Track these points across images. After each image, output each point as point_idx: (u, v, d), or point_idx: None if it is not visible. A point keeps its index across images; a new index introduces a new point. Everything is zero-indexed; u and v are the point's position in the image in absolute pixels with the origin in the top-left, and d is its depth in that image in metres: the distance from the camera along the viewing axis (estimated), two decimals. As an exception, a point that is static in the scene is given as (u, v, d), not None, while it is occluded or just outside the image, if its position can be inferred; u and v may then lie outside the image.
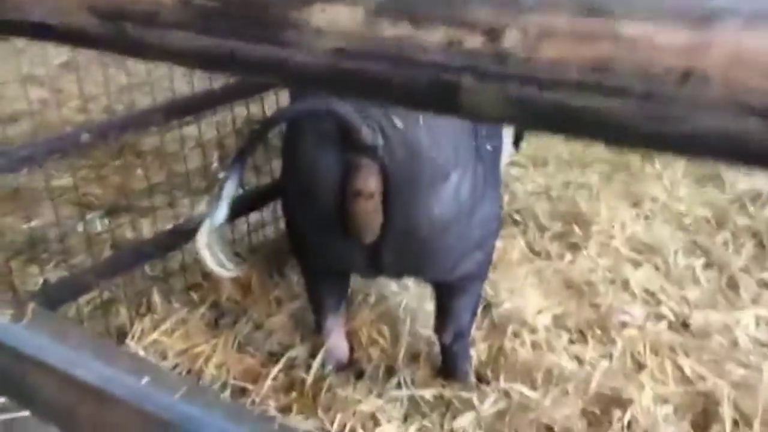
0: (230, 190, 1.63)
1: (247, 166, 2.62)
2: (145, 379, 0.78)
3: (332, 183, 1.66)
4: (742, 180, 3.36)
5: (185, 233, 2.36)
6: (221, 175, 1.61)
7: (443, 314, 2.06)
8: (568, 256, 2.82)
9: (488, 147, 1.82)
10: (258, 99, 2.69)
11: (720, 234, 2.96)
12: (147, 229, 2.66)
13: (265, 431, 0.82)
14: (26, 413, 0.78)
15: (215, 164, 3.24)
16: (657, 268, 2.76)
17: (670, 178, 3.42)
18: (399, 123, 1.62)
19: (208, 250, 1.61)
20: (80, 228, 2.86)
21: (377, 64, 0.41)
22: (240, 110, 2.85)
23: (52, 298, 1.88)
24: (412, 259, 1.79)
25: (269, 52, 0.45)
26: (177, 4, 0.48)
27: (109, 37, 0.54)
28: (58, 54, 4.76)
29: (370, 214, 1.65)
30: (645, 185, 3.36)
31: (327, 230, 1.77)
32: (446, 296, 2.03)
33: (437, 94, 0.40)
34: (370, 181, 1.62)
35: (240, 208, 2.59)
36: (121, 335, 2.20)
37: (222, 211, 1.61)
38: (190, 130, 3.23)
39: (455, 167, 1.68)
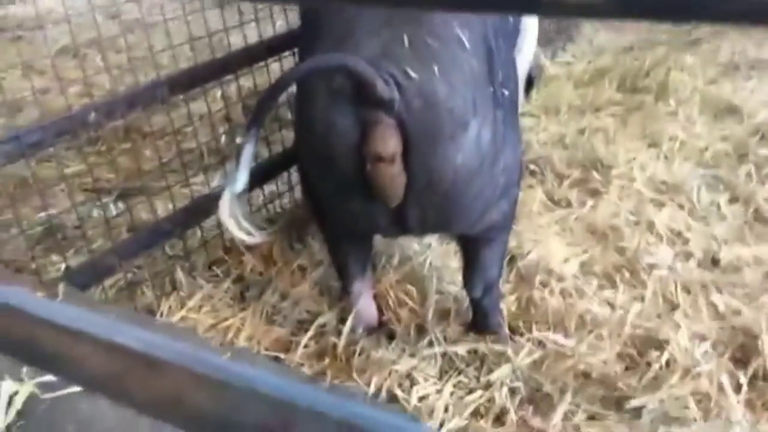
0: (248, 155, 1.58)
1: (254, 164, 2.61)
2: (189, 344, 0.75)
3: (350, 143, 1.60)
4: (760, 111, 3.29)
5: (202, 209, 2.34)
6: (238, 140, 1.55)
7: (471, 268, 2.03)
8: (590, 203, 2.78)
9: (505, 92, 1.76)
10: (263, 69, 2.64)
11: (742, 167, 2.91)
12: (162, 209, 2.64)
13: (318, 389, 0.79)
14: (74, 389, 0.75)
15: (224, 138, 3.20)
16: (681, 207, 2.72)
17: (686, 115, 3.36)
18: (413, 73, 1.56)
19: (233, 219, 1.57)
20: (95, 213, 2.85)
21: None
22: (245, 82, 2.81)
23: (77, 283, 1.86)
24: (437, 213, 1.74)
25: None
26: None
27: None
28: (54, 41, 4.71)
29: (394, 177, 1.60)
30: (661, 124, 3.30)
31: (347, 193, 1.72)
32: (473, 250, 1.99)
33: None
34: (389, 140, 1.57)
35: (254, 180, 2.56)
36: (149, 315, 2.18)
37: (242, 178, 1.57)
38: (195, 107, 3.20)
39: (474, 115, 1.62)
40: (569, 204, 2.80)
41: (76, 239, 2.59)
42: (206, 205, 2.31)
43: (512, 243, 2.52)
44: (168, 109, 2.87)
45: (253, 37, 2.55)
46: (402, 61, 1.57)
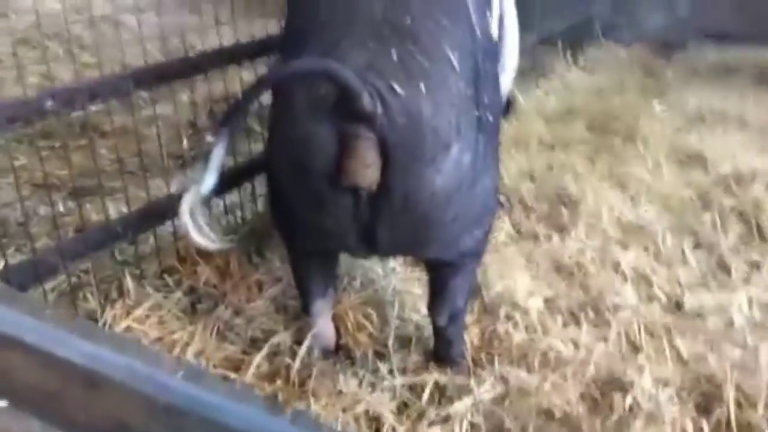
0: (219, 156, 1.48)
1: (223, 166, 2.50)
2: (138, 359, 0.65)
3: (327, 156, 1.52)
4: (724, 162, 3.34)
5: (158, 213, 2.22)
6: (208, 139, 1.46)
7: (439, 295, 1.96)
8: (556, 238, 2.75)
9: (489, 117, 1.71)
10: (234, 75, 2.55)
11: (706, 214, 2.92)
12: (114, 210, 2.50)
13: (281, 419, 0.70)
14: (2, 404, 0.64)
15: (186, 143, 3.08)
16: (646, 250, 2.71)
17: (653, 160, 3.38)
18: (400, 89, 1.49)
19: (192, 220, 1.46)
20: (42, 210, 2.69)
21: None
22: (214, 87, 2.70)
23: (14, 282, 1.71)
24: (410, 235, 1.67)
25: None
26: None
27: None
28: (16, 30, 4.51)
29: (366, 154, 1.51)
30: (628, 167, 3.31)
31: (318, 206, 1.64)
32: (442, 276, 1.92)
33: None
34: (368, 156, 1.50)
35: (216, 188, 2.46)
36: (92, 323, 2.04)
37: (210, 180, 1.47)
38: (157, 109, 3.07)
39: (457, 138, 1.56)
40: (536, 238, 2.77)
41: (18, 236, 2.43)
42: (163, 210, 2.19)
43: (477, 274, 2.47)
44: (130, 108, 2.74)
45: (212, 43, 2.45)
46: (389, 76, 1.50)
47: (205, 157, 1.48)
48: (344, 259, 2.45)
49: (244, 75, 2.55)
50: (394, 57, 1.51)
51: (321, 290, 2.01)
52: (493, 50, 1.83)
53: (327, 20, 1.61)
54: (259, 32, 2.55)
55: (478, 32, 1.69)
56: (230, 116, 1.51)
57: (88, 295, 2.20)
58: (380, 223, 1.61)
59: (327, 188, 1.56)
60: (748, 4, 5.09)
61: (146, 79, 2.07)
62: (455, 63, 1.57)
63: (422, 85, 1.51)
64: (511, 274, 2.49)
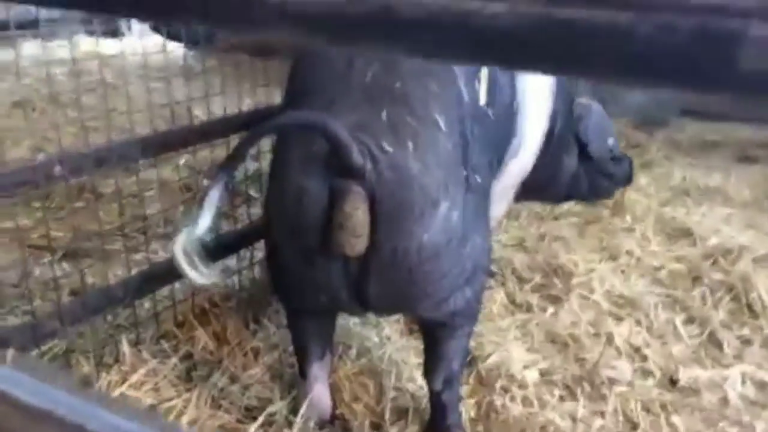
0: (214, 199, 1.53)
1: (220, 209, 2.53)
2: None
3: (319, 209, 1.59)
4: (711, 236, 3.41)
5: (158, 278, 2.22)
6: (205, 182, 1.50)
7: (433, 358, 1.96)
8: (550, 309, 2.77)
9: (477, 178, 1.77)
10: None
11: (696, 289, 2.96)
12: (110, 274, 2.49)
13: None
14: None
15: (182, 208, 3.10)
16: (638, 323, 2.73)
17: (641, 233, 3.44)
18: (388, 147, 1.57)
19: (185, 256, 1.49)
20: (38, 272, 2.67)
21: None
22: (207, 154, 2.74)
23: (13, 345, 1.69)
24: (400, 290, 1.70)
25: (445, 4, 0.35)
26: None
27: None
28: (10, 93, 4.58)
29: (355, 246, 1.57)
30: (618, 239, 3.37)
31: (311, 261, 1.68)
32: (437, 337, 1.94)
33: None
34: (357, 210, 1.55)
35: (214, 253, 2.47)
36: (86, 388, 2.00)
37: (205, 221, 1.51)
38: (151, 174, 3.10)
39: (445, 195, 1.62)
40: (530, 309, 2.79)
41: (13, 298, 2.40)
42: (163, 273, 2.19)
43: (472, 343, 2.47)
44: (131, 172, 2.77)
45: (216, 112, 2.50)
46: (378, 135, 1.58)
47: (201, 200, 1.52)
48: (340, 326, 2.45)
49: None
50: (384, 117, 1.60)
51: (318, 353, 2.02)
52: (481, 116, 1.89)
53: (323, 83, 1.71)
54: (263, 101, 2.60)
55: (465, 98, 1.78)
56: (228, 162, 1.57)
57: (82, 360, 2.17)
58: (370, 278, 1.65)
59: (318, 242, 1.61)
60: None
61: (153, 147, 2.10)
62: (442, 125, 1.65)
63: (410, 144, 1.59)
64: (506, 345, 2.50)
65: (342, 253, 1.59)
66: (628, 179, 3.11)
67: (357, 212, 1.54)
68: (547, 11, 0.32)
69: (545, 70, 0.32)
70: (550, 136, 2.57)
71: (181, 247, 1.51)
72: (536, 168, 2.54)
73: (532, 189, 2.68)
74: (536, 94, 2.41)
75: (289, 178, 1.65)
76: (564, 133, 2.69)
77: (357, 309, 1.84)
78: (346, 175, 1.54)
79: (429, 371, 1.98)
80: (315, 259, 1.66)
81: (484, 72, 1.92)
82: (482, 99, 1.90)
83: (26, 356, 1.13)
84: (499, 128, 2.08)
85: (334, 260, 1.64)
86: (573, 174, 2.84)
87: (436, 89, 1.68)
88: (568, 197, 3.05)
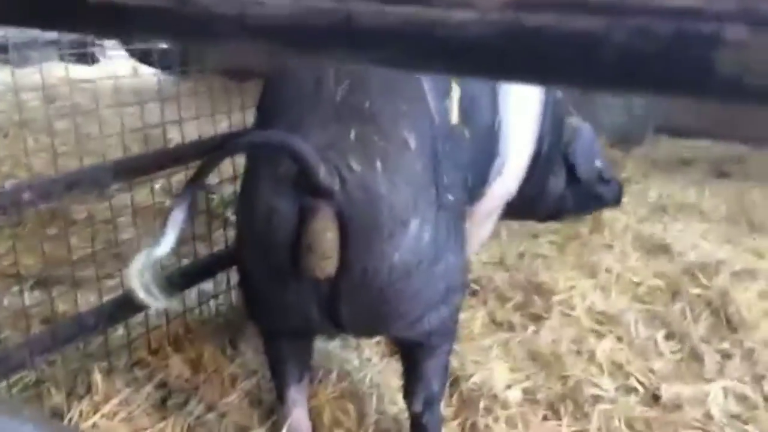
0: (178, 219, 1.50)
1: (192, 236, 2.49)
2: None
3: (288, 229, 1.57)
4: (689, 251, 3.42)
5: (131, 305, 2.16)
6: (167, 203, 1.48)
7: (412, 378, 1.93)
8: (531, 327, 2.76)
9: (450, 197, 1.75)
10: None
11: (676, 304, 2.96)
12: (81, 301, 2.43)
13: None
14: None
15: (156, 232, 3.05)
16: (620, 339, 2.72)
17: (620, 249, 3.45)
18: (356, 166, 1.56)
19: (139, 278, 1.47)
20: (6, 301, 2.61)
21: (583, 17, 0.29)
22: (181, 177, 2.71)
23: (-20, 377, 1.64)
24: (371, 310, 1.68)
25: (409, 13, 0.33)
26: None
27: None
28: (-15, 117, 4.51)
29: (325, 269, 1.55)
30: (597, 255, 3.37)
31: (282, 281, 1.66)
32: (415, 357, 1.91)
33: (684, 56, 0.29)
34: (326, 229, 1.53)
35: (190, 277, 2.42)
36: (57, 419, 1.94)
37: (168, 241, 1.49)
38: (124, 198, 3.05)
39: (415, 214, 1.61)
40: (512, 327, 2.77)
41: (-19, 328, 2.33)
42: (136, 301, 2.14)
43: (454, 363, 2.45)
44: (104, 198, 2.71)
45: (191, 135, 2.47)
46: (346, 154, 1.57)
47: (164, 219, 1.49)
48: (319, 350, 2.41)
49: (225, 164, 2.56)
50: (353, 137, 1.59)
51: (295, 376, 1.98)
52: (454, 135, 1.88)
53: (292, 102, 1.70)
54: (238, 124, 2.58)
55: (435, 116, 1.77)
56: (192, 182, 1.55)
57: (52, 390, 2.11)
58: (341, 298, 1.63)
59: (288, 263, 1.59)
60: (700, 103, 5.37)
61: (126, 171, 2.06)
62: (412, 144, 1.64)
63: (379, 164, 1.58)
64: (488, 364, 2.48)
65: (312, 276, 1.57)
66: (616, 201, 3.09)
67: (325, 234, 1.53)
68: (517, 18, 0.30)
69: (516, 80, 0.31)
70: (536, 157, 2.57)
71: (137, 269, 1.49)
72: (521, 189, 2.54)
73: (516, 209, 2.68)
74: (521, 115, 2.40)
75: (258, 197, 1.63)
76: (551, 154, 2.68)
77: (330, 330, 1.82)
78: (315, 195, 1.53)
79: (408, 393, 1.95)
80: (286, 281, 1.65)
81: (456, 91, 1.91)
82: (454, 118, 1.89)
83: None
84: (477, 147, 2.07)
85: (304, 281, 1.61)
86: (560, 195, 2.83)
87: (405, 108, 1.68)
88: (552, 217, 3.04)
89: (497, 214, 2.61)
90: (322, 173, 1.50)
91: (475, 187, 2.25)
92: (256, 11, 0.36)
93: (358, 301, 1.65)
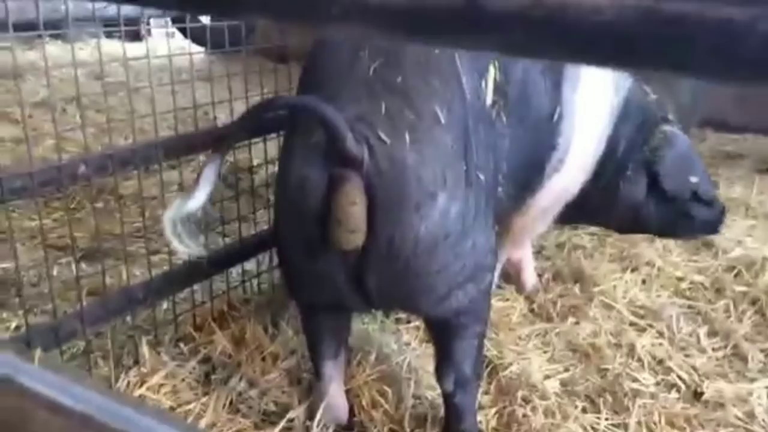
0: (209, 176, 1.55)
1: (237, 217, 2.52)
2: None
3: (317, 197, 1.59)
4: (734, 248, 3.36)
5: (178, 280, 2.21)
6: (201, 158, 1.53)
7: (441, 357, 1.94)
8: (571, 319, 2.74)
9: (480, 175, 1.75)
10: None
11: (719, 301, 2.92)
12: (129, 275, 2.48)
13: None
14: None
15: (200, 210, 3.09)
16: (661, 335, 2.69)
17: (662, 244, 3.40)
18: (386, 138, 1.57)
19: (172, 227, 1.51)
20: (56, 272, 2.67)
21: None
22: (228, 157, 2.73)
23: (35, 345, 1.68)
24: (398, 283, 1.69)
25: None
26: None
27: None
28: (34, 93, 4.60)
29: (351, 222, 1.57)
30: (638, 249, 3.33)
31: (312, 251, 1.69)
32: (443, 337, 1.92)
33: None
34: (354, 197, 1.56)
35: (234, 256, 2.46)
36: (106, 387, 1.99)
37: (201, 195, 1.54)
38: (171, 175, 3.10)
39: (443, 188, 1.62)
40: (551, 318, 2.75)
41: (32, 298, 2.40)
42: (183, 276, 2.18)
43: (493, 352, 2.46)
44: (151, 174, 2.75)
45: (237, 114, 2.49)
46: (376, 126, 1.59)
47: (197, 176, 1.55)
48: (358, 333, 2.44)
49: (270, 147, 2.59)
50: (383, 110, 1.61)
51: (331, 352, 2.01)
52: (487, 116, 1.86)
53: (329, 77, 1.73)
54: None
55: (468, 95, 1.76)
56: (223, 142, 1.58)
57: (100, 361, 2.16)
58: (369, 269, 1.65)
59: (317, 233, 1.61)
60: (746, 96, 5.25)
61: (176, 149, 2.09)
62: (442, 118, 1.65)
63: (407, 136, 1.59)
64: (527, 354, 2.47)
65: (339, 249, 1.59)
66: (713, 227, 2.70)
67: (353, 207, 1.55)
68: (657, 4, 0.30)
69: (649, 69, 0.30)
70: (607, 159, 2.44)
71: (170, 218, 1.53)
72: (588, 192, 2.44)
73: (582, 213, 2.57)
74: (590, 112, 2.31)
75: (291, 167, 1.67)
76: (627, 159, 2.49)
77: (360, 304, 1.83)
78: (343, 164, 1.55)
79: (439, 372, 1.97)
80: (316, 252, 1.68)
81: (492, 73, 1.90)
82: (489, 99, 1.88)
83: (52, 356, 1.12)
84: (528, 136, 2.06)
85: (333, 253, 1.64)
86: (635, 206, 2.56)
87: (437, 84, 1.68)
88: (631, 229, 2.79)
89: (554, 212, 2.53)
90: (349, 141, 1.52)
91: (529, 179, 2.23)
92: (374, -7, 0.36)
93: (385, 273, 1.66)
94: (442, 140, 1.64)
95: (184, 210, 1.53)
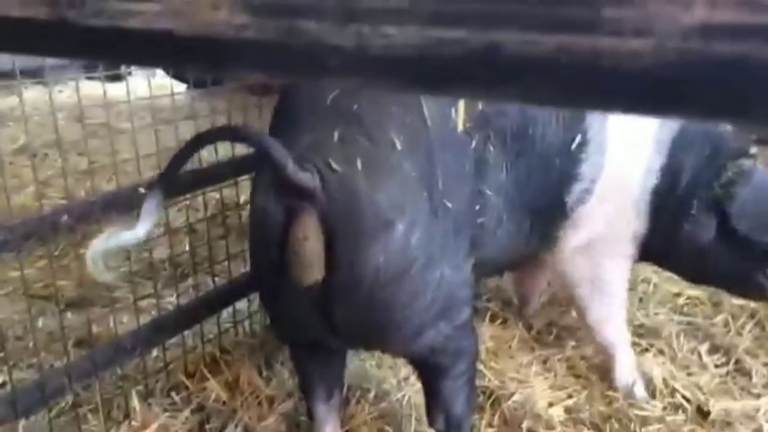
0: (150, 210, 1.49)
1: (226, 256, 2.47)
2: None
3: (277, 231, 1.55)
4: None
5: (168, 327, 2.14)
6: (142, 191, 1.49)
7: (430, 398, 1.88)
8: (571, 342, 2.69)
9: (447, 203, 1.68)
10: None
11: (718, 316, 2.89)
12: (112, 323, 2.41)
13: None
14: None
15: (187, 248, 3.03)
16: (662, 353, 2.65)
17: (656, 260, 3.37)
18: (336, 166, 1.53)
19: (94, 254, 1.45)
20: (41, 323, 2.59)
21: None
22: (212, 194, 2.68)
23: (21, 406, 1.61)
24: (363, 319, 1.63)
25: (567, 42, 0.28)
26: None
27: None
28: (13, 139, 4.54)
29: (307, 265, 1.53)
30: (634, 267, 3.29)
31: (279, 286, 1.64)
32: (428, 376, 1.86)
33: None
34: (306, 228, 1.51)
35: (225, 296, 2.40)
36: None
37: (139, 231, 1.48)
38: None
39: (401, 216, 1.56)
40: (550, 342, 2.71)
41: (15, 351, 2.32)
42: (173, 323, 2.12)
43: (495, 382, 2.40)
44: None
45: (223, 153, 2.44)
46: (328, 155, 1.55)
47: (138, 209, 1.51)
48: (356, 369, 2.38)
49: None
50: (336, 138, 1.57)
51: (324, 393, 1.94)
52: (456, 142, 1.78)
53: (293, 107, 1.71)
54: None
55: (429, 122, 1.68)
56: (165, 173, 1.53)
57: (89, 415, 2.08)
58: (334, 305, 1.60)
59: (280, 267, 1.56)
60: None
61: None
62: (398, 145, 1.59)
63: (359, 163, 1.54)
64: (529, 382, 2.42)
65: (297, 284, 1.55)
66: None
67: (306, 243, 1.51)
68: (707, 46, 0.26)
69: (699, 119, 0.27)
70: (666, 195, 2.15)
71: (99, 250, 1.47)
72: (647, 232, 2.20)
73: (648, 254, 2.32)
74: (628, 138, 2.08)
75: (254, 200, 1.65)
76: (692, 195, 2.16)
77: (335, 342, 1.78)
78: (296, 196, 1.51)
79: (429, 413, 1.91)
80: (282, 287, 1.63)
81: (461, 100, 1.80)
82: (460, 125, 1.80)
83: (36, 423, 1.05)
84: (534, 165, 1.96)
85: (297, 288, 1.58)
86: (700, 251, 2.21)
87: (396, 111, 1.64)
88: (699, 279, 2.46)
89: (606, 253, 2.26)
90: (292, 171, 1.47)
91: (548, 212, 2.08)
92: (379, 43, 0.32)
93: (351, 308, 1.61)
94: (399, 167, 1.58)
95: (120, 242, 1.48)
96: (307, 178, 1.49)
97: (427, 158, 1.65)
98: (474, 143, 1.84)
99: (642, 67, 0.27)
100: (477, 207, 1.85)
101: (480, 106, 1.87)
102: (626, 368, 2.41)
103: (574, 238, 2.16)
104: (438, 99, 1.74)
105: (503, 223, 1.95)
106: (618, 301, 2.40)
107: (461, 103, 1.79)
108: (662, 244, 2.23)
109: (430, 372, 1.84)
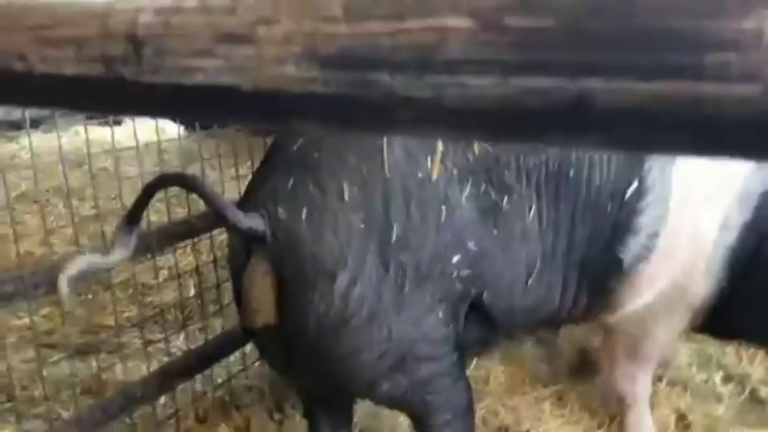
0: (125, 242, 1.54)
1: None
2: None
3: (239, 271, 1.63)
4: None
5: (178, 373, 2.11)
6: (114, 230, 1.53)
7: None
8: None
9: (406, 257, 1.60)
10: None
11: (729, 344, 2.86)
12: (119, 369, 2.37)
13: None
14: None
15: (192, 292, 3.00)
16: (675, 384, 2.62)
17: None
18: (283, 214, 1.56)
19: (66, 279, 1.47)
20: (46, 372, 2.54)
21: None
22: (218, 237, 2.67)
23: (32, 459, 1.57)
24: (316, 363, 1.65)
25: (661, 89, 0.28)
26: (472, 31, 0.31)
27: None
28: (14, 185, 4.52)
29: (254, 299, 1.59)
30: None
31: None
32: (417, 426, 1.85)
33: None
34: (255, 273, 1.58)
35: (235, 340, 2.37)
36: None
37: (113, 258, 1.53)
38: (163, 260, 3.01)
39: (344, 267, 1.55)
40: (564, 377, 2.67)
41: (23, 401, 2.27)
42: (182, 369, 2.09)
43: (510, 419, 2.37)
44: (134, 263, 2.66)
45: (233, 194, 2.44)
46: (279, 202, 1.58)
47: (110, 245, 1.56)
48: (366, 410, 2.34)
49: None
50: (289, 186, 1.60)
51: None
52: (425, 192, 1.66)
53: (271, 152, 1.76)
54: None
55: (388, 173, 1.63)
56: (129, 215, 1.57)
57: (99, 466, 2.03)
58: (288, 347, 1.64)
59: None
60: None
61: (170, 236, 2.03)
62: (346, 196, 1.59)
63: (304, 212, 1.57)
64: (544, 419, 2.39)
65: (247, 326, 1.61)
66: None
67: (253, 288, 1.57)
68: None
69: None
70: (749, 254, 1.86)
71: (73, 270, 1.49)
72: (730, 296, 1.90)
73: (728, 324, 2.01)
74: (698, 189, 1.83)
75: (232, 243, 1.72)
76: None
77: (308, 384, 1.83)
78: (248, 240, 1.58)
79: None
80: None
81: (438, 148, 1.70)
82: (434, 174, 1.68)
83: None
84: (574, 216, 1.81)
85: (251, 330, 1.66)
86: None
87: (353, 162, 1.62)
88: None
89: (674, 316, 2.01)
90: (233, 216, 1.51)
91: (602, 269, 1.87)
92: (456, 93, 0.32)
93: (302, 352, 1.64)
94: (345, 218, 1.57)
95: (93, 266, 1.53)
96: (257, 224, 1.54)
97: (382, 210, 1.60)
98: (468, 189, 1.72)
99: (749, 113, 0.27)
100: (457, 257, 1.69)
101: (476, 150, 1.74)
102: (635, 429, 2.27)
103: (634, 300, 1.93)
104: (413, 148, 1.68)
105: (535, 273, 1.81)
106: (653, 363, 2.20)
107: (437, 151, 1.69)
108: (746, 312, 1.94)
109: (418, 422, 1.84)
